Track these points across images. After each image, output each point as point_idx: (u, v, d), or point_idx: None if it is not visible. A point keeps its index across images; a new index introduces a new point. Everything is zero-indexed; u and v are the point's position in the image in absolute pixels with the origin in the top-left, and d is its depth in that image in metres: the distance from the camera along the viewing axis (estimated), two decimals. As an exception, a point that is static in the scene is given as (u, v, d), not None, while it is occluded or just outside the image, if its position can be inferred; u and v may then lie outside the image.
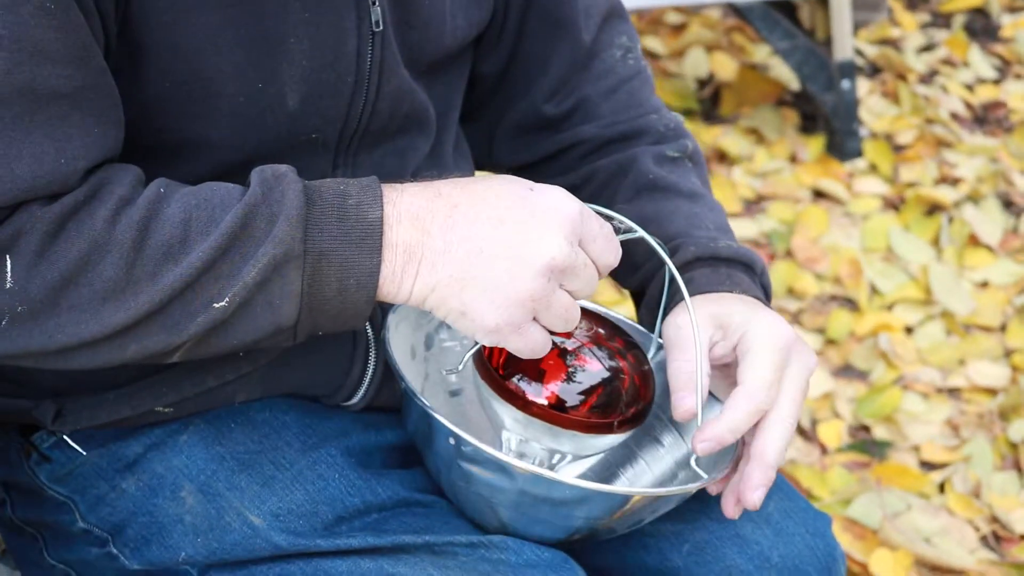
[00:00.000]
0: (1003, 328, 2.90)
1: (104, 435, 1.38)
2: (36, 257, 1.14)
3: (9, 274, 1.14)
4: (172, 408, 1.35)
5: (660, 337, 1.39)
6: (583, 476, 1.38)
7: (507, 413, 1.28)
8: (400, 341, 1.34)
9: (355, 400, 1.40)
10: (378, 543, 1.30)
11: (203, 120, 1.24)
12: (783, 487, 1.44)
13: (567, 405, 1.25)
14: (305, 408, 1.39)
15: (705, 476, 1.30)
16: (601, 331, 1.31)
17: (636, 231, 1.28)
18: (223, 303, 1.15)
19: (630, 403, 1.28)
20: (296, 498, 1.33)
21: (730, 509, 1.30)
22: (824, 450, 2.60)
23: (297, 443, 1.36)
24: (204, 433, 1.36)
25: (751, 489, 1.27)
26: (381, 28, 1.30)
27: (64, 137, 1.15)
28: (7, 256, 1.14)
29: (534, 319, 1.20)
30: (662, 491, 1.28)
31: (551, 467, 1.30)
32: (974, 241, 3.11)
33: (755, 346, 1.29)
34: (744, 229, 3.14)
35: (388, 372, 1.38)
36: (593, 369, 1.27)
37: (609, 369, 1.28)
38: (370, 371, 1.38)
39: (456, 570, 1.29)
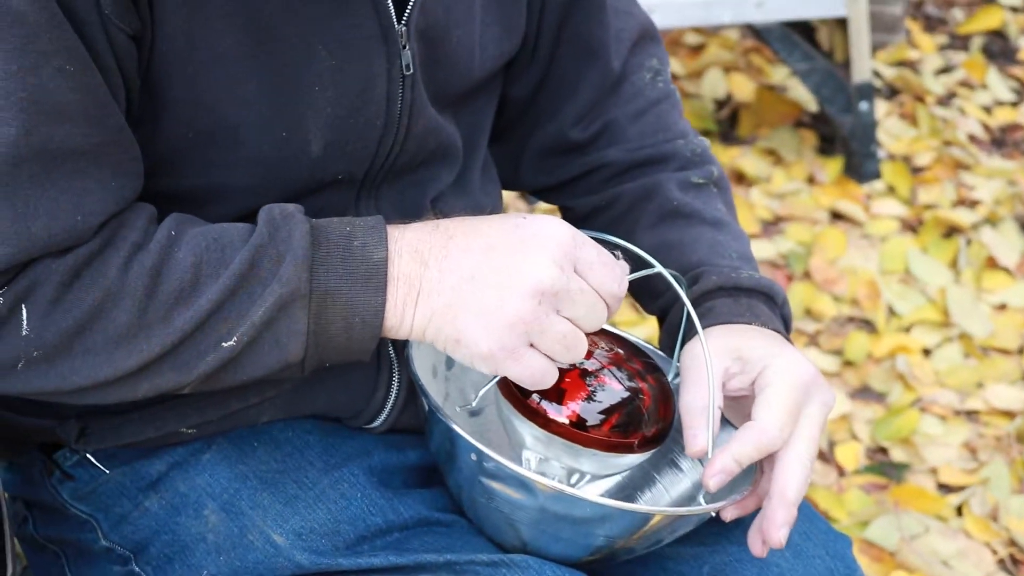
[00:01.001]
0: (1021, 351, 2.90)
1: (127, 453, 1.38)
2: (51, 306, 1.16)
3: (25, 322, 1.16)
4: (195, 429, 1.36)
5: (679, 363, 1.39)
6: (602, 496, 1.39)
7: (528, 431, 1.28)
8: (423, 359, 1.35)
9: (377, 423, 1.40)
10: (399, 562, 1.31)
11: (226, 169, 1.26)
12: (803, 509, 1.44)
13: (588, 424, 1.26)
14: (328, 428, 1.40)
15: (723, 499, 1.30)
16: (621, 352, 1.32)
17: (651, 264, 1.29)
18: (232, 342, 1.18)
19: (651, 423, 1.28)
20: (318, 517, 1.33)
21: (757, 548, 1.31)
22: (841, 472, 2.60)
23: (320, 462, 1.37)
24: (227, 452, 1.37)
25: (775, 528, 1.28)
26: (412, 71, 1.31)
27: (81, 192, 1.17)
28: (23, 305, 1.16)
29: (532, 345, 1.21)
30: (682, 511, 1.28)
31: (570, 487, 1.30)
32: (992, 264, 3.11)
33: (774, 382, 1.30)
34: (762, 250, 3.14)
35: (410, 395, 1.39)
36: (614, 388, 1.27)
37: (630, 389, 1.29)
38: (393, 394, 1.39)
39: (476, 588, 1.30)
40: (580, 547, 1.28)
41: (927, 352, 2.89)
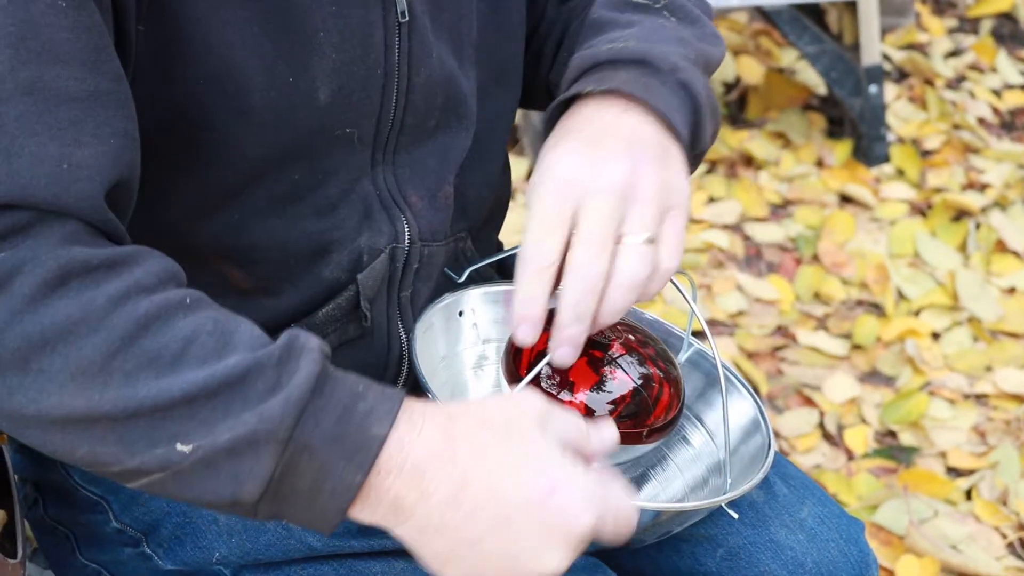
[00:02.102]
0: (1030, 335, 2.90)
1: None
2: (26, 303, 1.04)
3: None
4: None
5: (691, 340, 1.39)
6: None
7: None
8: (427, 347, 1.34)
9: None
10: (412, 545, 1.29)
11: (236, 118, 1.22)
12: (816, 493, 1.44)
13: (596, 414, 1.25)
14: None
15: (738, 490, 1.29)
16: (632, 337, 1.31)
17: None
18: (186, 449, 1.04)
19: (660, 412, 1.27)
20: (330, 499, 1.32)
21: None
22: (850, 456, 2.60)
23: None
24: (239, 433, 1.35)
25: (555, 344, 1.20)
26: (407, 19, 1.28)
27: (74, 143, 1.07)
28: None
29: None
30: (689, 506, 1.27)
31: None
32: (1001, 247, 3.10)
33: (535, 183, 1.19)
34: (770, 234, 3.13)
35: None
36: (623, 377, 1.26)
37: (639, 377, 1.28)
38: (405, 372, 1.38)
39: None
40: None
41: (936, 336, 2.88)
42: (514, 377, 1.31)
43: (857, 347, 2.85)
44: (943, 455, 2.60)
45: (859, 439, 2.62)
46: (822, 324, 2.91)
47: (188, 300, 1.08)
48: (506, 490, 1.06)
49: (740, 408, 1.36)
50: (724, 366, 1.36)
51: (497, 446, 1.08)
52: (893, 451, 2.60)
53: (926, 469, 2.55)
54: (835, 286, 2.98)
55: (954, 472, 2.58)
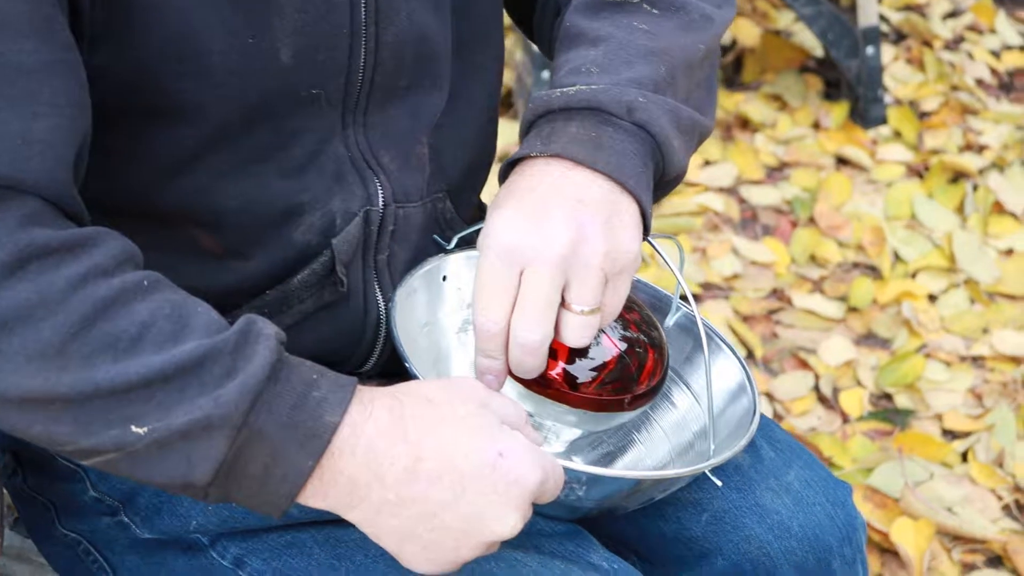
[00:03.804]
0: (1028, 296, 2.87)
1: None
2: None
3: None
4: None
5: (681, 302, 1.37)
6: (599, 447, 1.36)
7: (514, 389, 1.26)
8: (409, 313, 1.32)
9: (368, 366, 1.38)
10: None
11: (197, 79, 1.20)
12: (803, 456, 1.42)
13: (578, 382, 1.23)
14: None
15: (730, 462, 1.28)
16: (624, 315, 1.29)
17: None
18: (140, 431, 1.06)
19: (644, 379, 1.25)
20: (309, 465, 1.31)
21: None
22: (845, 419, 2.58)
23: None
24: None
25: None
26: None
27: (32, 116, 1.06)
28: None
29: None
30: (670, 474, 1.24)
31: (564, 444, 1.28)
32: (999, 209, 3.08)
33: (481, 248, 1.21)
34: (766, 196, 3.11)
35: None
36: (606, 344, 1.24)
37: (625, 339, 1.26)
38: (383, 336, 1.37)
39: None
40: (568, 509, 1.26)
41: (933, 298, 2.86)
42: None
43: (853, 310, 2.83)
44: (939, 418, 2.58)
45: (854, 402, 2.60)
46: (818, 287, 2.89)
47: (146, 283, 1.09)
48: (458, 459, 1.10)
49: (727, 371, 1.34)
50: (711, 329, 1.34)
51: (445, 421, 1.12)
52: (889, 414, 2.58)
53: (922, 432, 2.54)
54: (831, 249, 2.96)
55: (950, 435, 2.56)
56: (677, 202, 3.07)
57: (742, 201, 3.12)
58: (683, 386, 1.37)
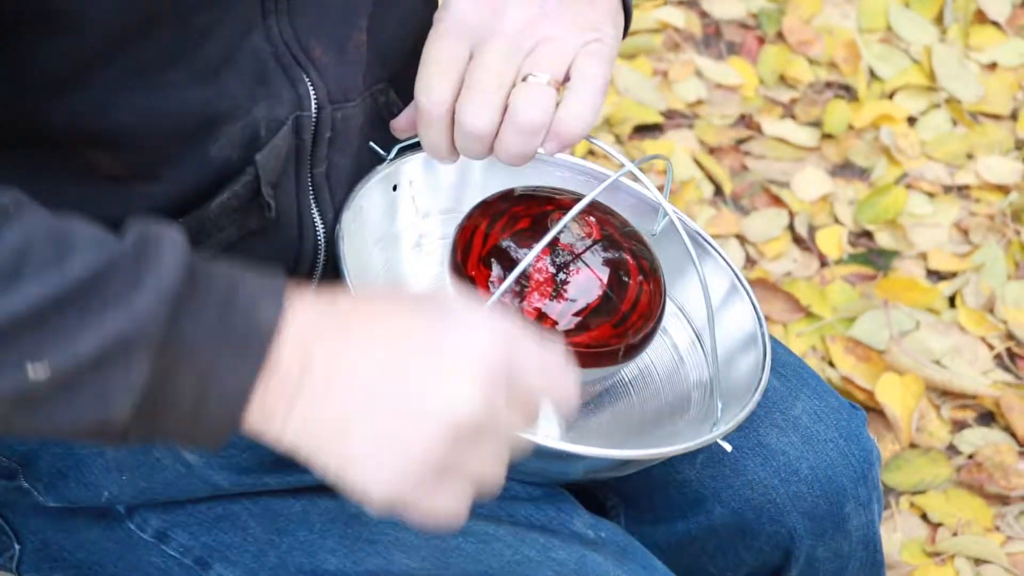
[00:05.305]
0: (1014, 116, 2.67)
1: None
2: None
3: None
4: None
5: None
6: (588, 407, 1.17)
7: None
8: (357, 232, 1.12)
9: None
10: (337, 479, 1.09)
11: None
12: (811, 383, 1.23)
13: (560, 329, 1.03)
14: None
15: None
16: (592, 218, 1.08)
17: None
18: (40, 371, 0.84)
19: (637, 320, 1.05)
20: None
21: None
22: (823, 262, 2.39)
23: (236, 357, 1.14)
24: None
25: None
26: None
27: None
28: None
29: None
30: (667, 451, 1.05)
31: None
32: (981, 18, 2.85)
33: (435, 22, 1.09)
34: (730, 9, 2.87)
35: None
36: (585, 277, 1.04)
37: (605, 266, 1.05)
38: (322, 266, 1.16)
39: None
40: (554, 480, 1.07)
41: (912, 121, 2.65)
42: (458, 270, 1.10)
43: (828, 136, 2.62)
44: (923, 257, 2.40)
45: (832, 242, 2.42)
46: (789, 111, 2.68)
47: (11, 207, 0.87)
48: (393, 325, 0.89)
49: (719, 283, 1.14)
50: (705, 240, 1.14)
51: (384, 298, 0.92)
52: (871, 256, 2.40)
53: (906, 275, 2.36)
54: (802, 67, 2.74)
55: (936, 276, 2.38)
56: (635, 18, 2.82)
57: (704, 15, 2.88)
58: (680, 314, 1.17)
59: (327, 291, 0.91)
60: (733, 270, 1.16)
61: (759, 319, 1.12)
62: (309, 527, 1.10)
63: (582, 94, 1.05)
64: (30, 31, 0.99)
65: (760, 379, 1.08)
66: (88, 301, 0.84)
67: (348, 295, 0.92)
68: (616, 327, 1.05)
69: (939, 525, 2.05)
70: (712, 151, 2.59)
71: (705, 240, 1.17)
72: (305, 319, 0.87)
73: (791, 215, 2.47)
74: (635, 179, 1.06)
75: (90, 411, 0.85)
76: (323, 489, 1.09)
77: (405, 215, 1.21)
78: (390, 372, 0.87)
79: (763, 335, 1.11)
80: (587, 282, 1.04)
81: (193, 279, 0.86)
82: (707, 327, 1.09)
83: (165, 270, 0.85)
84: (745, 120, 2.65)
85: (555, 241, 1.05)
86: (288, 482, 1.10)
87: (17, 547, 1.23)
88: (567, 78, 1.07)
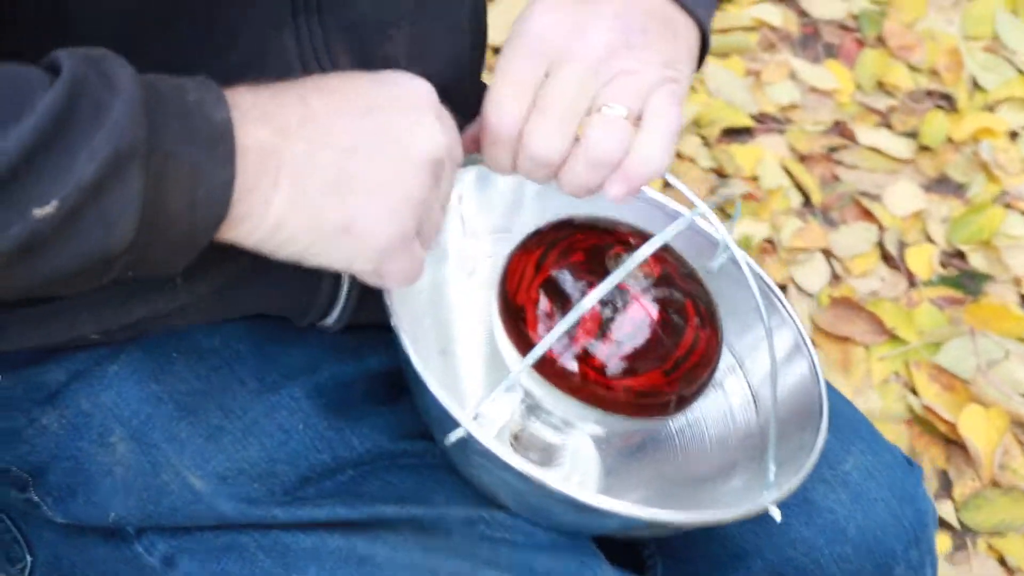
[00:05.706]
0: (1123, 135, 2.55)
1: (16, 357, 1.11)
2: None
3: None
4: (97, 336, 1.08)
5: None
6: (630, 451, 1.09)
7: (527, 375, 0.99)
8: (404, 304, 1.05)
9: (331, 320, 1.12)
10: (350, 516, 1.04)
11: None
12: (864, 434, 1.15)
13: (607, 372, 0.95)
14: (265, 334, 1.11)
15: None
16: (654, 260, 1.00)
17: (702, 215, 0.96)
18: (48, 209, 0.82)
19: (693, 369, 0.97)
20: (249, 455, 1.06)
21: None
22: (912, 281, 2.30)
23: (253, 382, 1.09)
24: (138, 365, 1.09)
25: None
26: None
27: None
28: None
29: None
30: (715, 518, 0.97)
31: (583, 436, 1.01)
32: (1094, 29, 2.73)
33: (509, 39, 1.03)
34: (830, 8, 2.78)
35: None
36: (635, 315, 0.96)
37: (654, 303, 0.98)
38: (346, 283, 1.10)
39: (445, 552, 1.03)
40: (587, 531, 1.01)
41: (1014, 135, 2.54)
42: (506, 298, 1.02)
43: (924, 148, 2.52)
44: (1017, 282, 2.30)
45: (923, 261, 2.32)
46: (885, 120, 2.58)
47: None
48: (342, 88, 0.94)
49: (793, 360, 1.07)
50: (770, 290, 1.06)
51: (314, 78, 0.95)
52: (962, 278, 2.30)
53: (998, 300, 2.25)
54: (902, 74, 2.64)
55: (1029, 302, 2.28)
56: (730, 15, 2.74)
57: (802, 14, 2.78)
58: (735, 361, 1.10)
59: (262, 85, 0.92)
60: (797, 326, 1.08)
61: (819, 379, 1.04)
62: (320, 565, 1.05)
63: (657, 136, 0.98)
64: (42, 31, 0.94)
65: (816, 443, 1.00)
66: (70, 131, 0.82)
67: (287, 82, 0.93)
68: (668, 374, 0.97)
69: (1017, 571, 1.95)
70: (803, 159, 2.49)
71: (771, 290, 1.09)
72: (253, 96, 0.89)
73: (881, 230, 2.37)
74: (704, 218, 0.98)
75: (93, 242, 0.83)
76: (332, 526, 1.04)
77: (453, 232, 1.15)
78: (364, 124, 0.92)
79: (822, 396, 1.03)
80: (639, 323, 0.96)
81: (149, 89, 0.85)
82: (767, 383, 1.01)
83: (124, 84, 0.84)
84: (839, 127, 2.56)
85: (638, 295, 0.98)
86: (298, 516, 1.05)
87: (29, 559, 1.20)
88: (638, 115, 1.00)
